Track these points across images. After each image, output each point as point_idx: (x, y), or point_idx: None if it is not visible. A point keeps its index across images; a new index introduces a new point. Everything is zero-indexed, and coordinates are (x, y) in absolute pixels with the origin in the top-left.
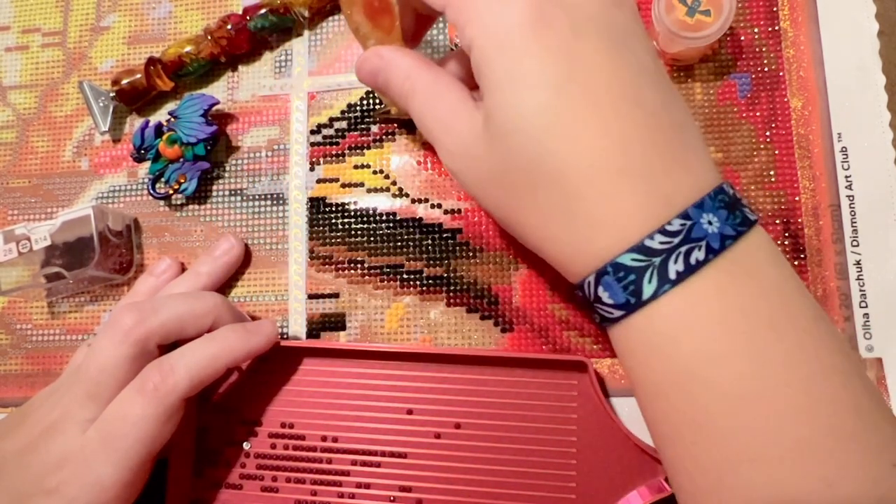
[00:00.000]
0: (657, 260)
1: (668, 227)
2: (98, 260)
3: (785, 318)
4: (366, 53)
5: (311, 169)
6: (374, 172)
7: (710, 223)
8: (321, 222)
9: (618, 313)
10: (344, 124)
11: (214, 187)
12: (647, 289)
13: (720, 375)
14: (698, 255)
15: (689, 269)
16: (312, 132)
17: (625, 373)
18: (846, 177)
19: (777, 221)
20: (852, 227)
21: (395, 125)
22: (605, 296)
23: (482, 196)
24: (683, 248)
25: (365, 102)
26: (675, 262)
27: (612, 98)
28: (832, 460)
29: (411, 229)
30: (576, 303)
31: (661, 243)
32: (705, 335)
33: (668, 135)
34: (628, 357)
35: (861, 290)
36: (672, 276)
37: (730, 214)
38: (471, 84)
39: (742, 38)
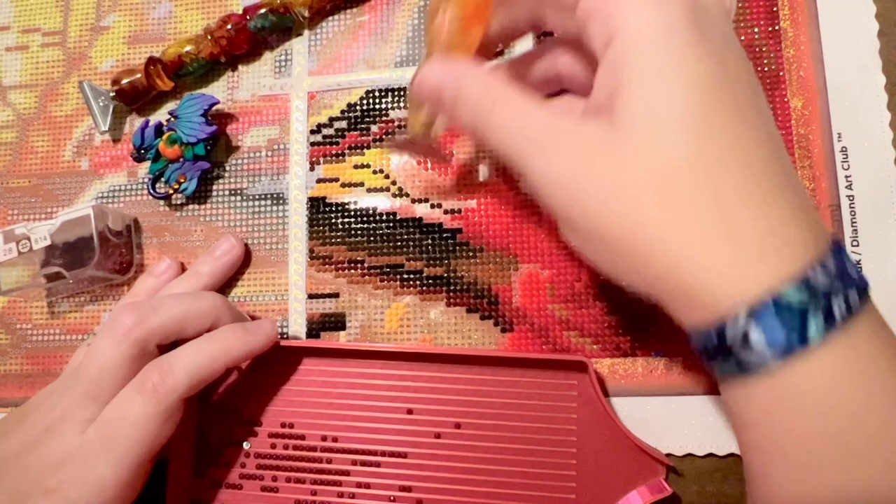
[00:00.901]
0: (821, 297)
1: (827, 264)
2: (98, 260)
3: None
4: (432, 63)
5: (311, 169)
6: (374, 172)
7: (851, 268)
8: (321, 222)
9: (772, 358)
10: (344, 124)
11: (214, 187)
12: (814, 329)
13: (883, 439)
14: (854, 297)
15: (850, 311)
16: (312, 132)
17: (744, 439)
18: (846, 177)
19: None
20: (852, 227)
21: (410, 153)
22: (757, 336)
23: (585, 216)
24: (842, 288)
25: (365, 102)
26: (838, 300)
27: (756, 114)
28: None
29: (411, 229)
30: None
31: (823, 279)
32: (868, 391)
33: (793, 170)
34: (765, 419)
35: None
36: (838, 316)
37: (853, 262)
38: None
39: (742, 38)
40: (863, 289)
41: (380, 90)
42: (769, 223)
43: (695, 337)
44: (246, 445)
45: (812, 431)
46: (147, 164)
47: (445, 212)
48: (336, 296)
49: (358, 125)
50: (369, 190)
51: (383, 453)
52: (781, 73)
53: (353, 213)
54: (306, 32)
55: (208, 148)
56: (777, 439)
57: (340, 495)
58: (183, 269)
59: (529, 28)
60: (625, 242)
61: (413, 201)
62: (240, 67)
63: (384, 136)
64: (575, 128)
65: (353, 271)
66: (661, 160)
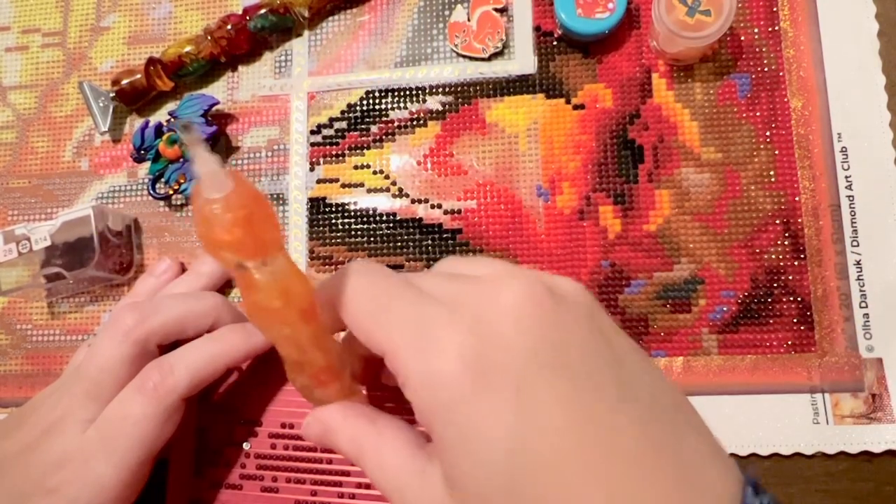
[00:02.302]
0: None
1: None
2: (98, 260)
3: None
4: (308, 419)
5: (311, 169)
6: (374, 173)
7: None
8: (321, 222)
9: None
10: (344, 124)
11: None
12: None
13: None
14: None
15: None
16: (312, 132)
17: None
18: (846, 177)
19: (777, 221)
20: (852, 227)
21: None
22: None
23: None
24: None
25: (365, 102)
26: None
27: (581, 451)
28: None
29: (411, 229)
30: None
31: None
32: None
33: (677, 445)
34: None
35: (861, 290)
36: None
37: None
38: None
39: (742, 38)
40: None
41: (380, 90)
42: None
43: None
44: (246, 446)
45: None
46: (147, 164)
47: (445, 212)
48: None
49: (358, 125)
50: (369, 190)
51: None
52: (781, 73)
53: (353, 213)
54: (306, 33)
55: (208, 148)
56: None
57: (340, 496)
58: (183, 269)
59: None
60: None
61: (413, 202)
62: (240, 68)
63: (384, 137)
64: (421, 474)
65: None
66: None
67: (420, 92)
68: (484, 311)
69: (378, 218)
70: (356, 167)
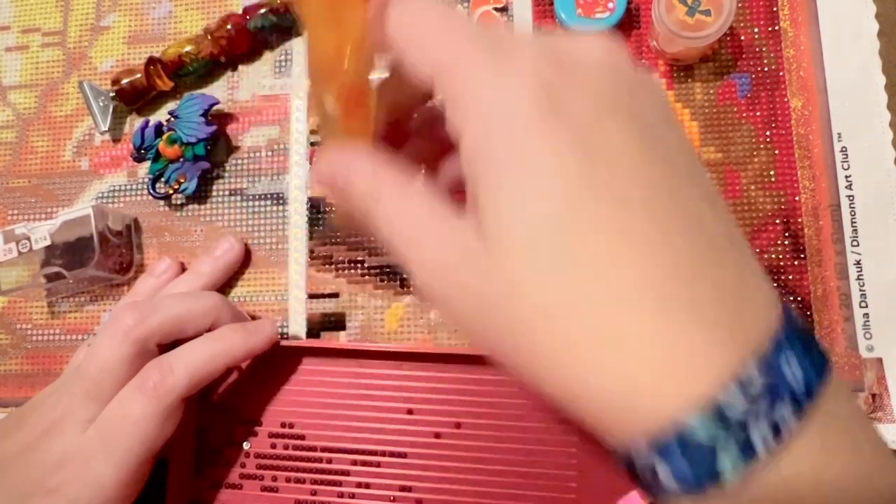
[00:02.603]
0: (735, 425)
1: (743, 378)
2: (98, 260)
3: (889, 475)
4: (324, 153)
5: (312, 169)
6: None
7: (789, 366)
8: (321, 222)
9: (682, 494)
10: None
11: (214, 187)
12: (726, 465)
13: None
14: (785, 413)
15: (777, 434)
16: (312, 132)
17: None
18: (846, 177)
19: (777, 221)
20: (852, 227)
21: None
22: (663, 472)
23: (478, 331)
24: (765, 405)
25: None
26: (758, 424)
27: (649, 210)
28: None
29: None
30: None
31: (738, 401)
32: None
33: (723, 254)
34: None
35: (861, 290)
36: (758, 445)
37: (807, 351)
38: (455, 192)
39: (742, 38)
40: (808, 391)
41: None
42: (667, 335)
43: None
44: (246, 445)
45: None
46: (147, 164)
47: None
48: (336, 296)
49: None
50: None
51: (383, 453)
52: (781, 73)
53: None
54: (306, 32)
55: (208, 148)
56: None
57: (340, 495)
58: (183, 269)
59: (423, 103)
60: (512, 366)
61: None
62: (240, 67)
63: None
64: (451, 228)
65: (353, 271)
66: (520, 284)
67: None
68: (569, 49)
69: None
70: None
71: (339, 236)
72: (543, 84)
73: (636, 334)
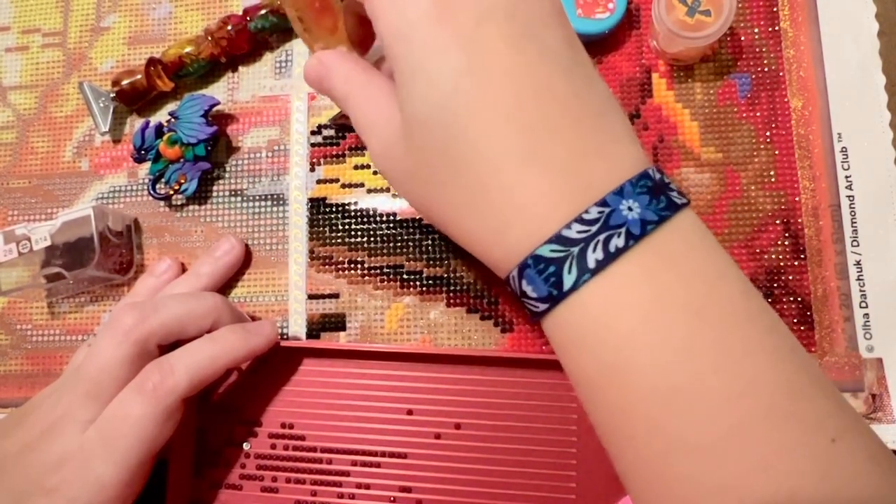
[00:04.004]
0: (575, 250)
1: (585, 216)
2: (98, 260)
3: (711, 303)
4: (310, 59)
5: (312, 169)
6: (375, 173)
7: (630, 209)
8: (321, 223)
9: (542, 307)
10: (344, 124)
11: (215, 188)
12: (568, 280)
13: (647, 366)
14: (618, 242)
15: (609, 258)
16: (313, 133)
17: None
18: (846, 177)
19: (777, 221)
20: (852, 227)
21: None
22: (529, 290)
23: (406, 194)
24: (602, 236)
25: None
26: (594, 250)
27: (515, 87)
28: (768, 443)
29: (411, 230)
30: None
31: (579, 232)
32: (629, 326)
33: (582, 122)
34: (561, 353)
35: (861, 290)
36: (591, 264)
37: (652, 199)
38: None
39: (742, 38)
40: (642, 226)
41: None
42: (527, 187)
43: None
44: (246, 446)
45: (589, 367)
46: (147, 164)
47: None
48: (336, 296)
49: None
50: (370, 191)
51: (383, 454)
52: (781, 73)
53: (353, 213)
54: None
55: (209, 149)
56: (571, 373)
57: (340, 496)
58: (183, 269)
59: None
60: (432, 222)
61: None
62: (240, 68)
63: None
64: (391, 113)
65: (353, 272)
66: (424, 153)
67: None
68: None
69: (378, 218)
70: (356, 167)
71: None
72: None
73: (503, 187)
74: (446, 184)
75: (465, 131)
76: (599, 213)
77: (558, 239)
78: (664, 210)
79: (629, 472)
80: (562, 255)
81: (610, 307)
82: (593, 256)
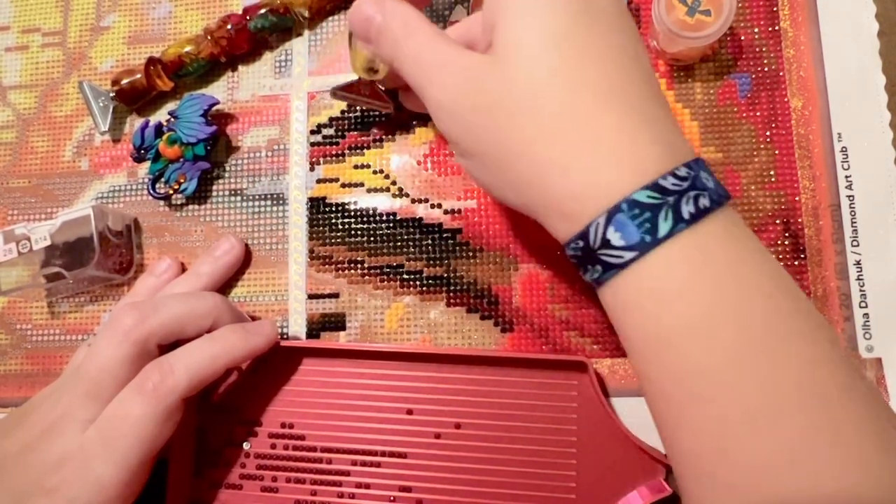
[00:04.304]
0: (671, 199)
1: (678, 172)
2: (98, 260)
3: (779, 284)
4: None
5: (311, 169)
6: (374, 172)
7: (706, 179)
8: (321, 222)
9: (629, 255)
10: (344, 124)
11: (214, 187)
12: (664, 227)
13: (724, 330)
14: (705, 201)
15: (700, 213)
16: (312, 132)
17: (619, 329)
18: (846, 177)
19: (777, 221)
20: (852, 227)
21: (355, 100)
22: (615, 237)
23: (469, 137)
24: (692, 193)
25: None
26: (687, 203)
27: (620, 37)
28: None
29: (411, 229)
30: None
31: (674, 184)
32: (715, 284)
33: (659, 90)
34: (632, 310)
35: (861, 290)
36: (686, 215)
37: (712, 176)
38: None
39: (742, 38)
40: (718, 197)
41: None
42: (627, 134)
43: (567, 247)
44: (246, 446)
45: (661, 321)
46: (147, 164)
47: (445, 212)
48: (336, 296)
49: (358, 125)
50: (369, 190)
51: (383, 453)
52: (781, 73)
53: (353, 213)
54: (306, 32)
55: (208, 148)
56: (636, 331)
57: (340, 495)
58: (183, 269)
59: None
60: (501, 157)
61: (413, 201)
62: (240, 68)
63: (384, 137)
64: (460, 57)
65: (353, 271)
66: (528, 79)
67: None
68: None
69: (378, 218)
70: (356, 167)
71: (348, 97)
72: None
73: (604, 127)
74: (538, 115)
75: (576, 69)
76: (687, 173)
77: (656, 186)
78: (725, 190)
79: (687, 441)
80: (658, 201)
81: (699, 262)
82: (687, 209)
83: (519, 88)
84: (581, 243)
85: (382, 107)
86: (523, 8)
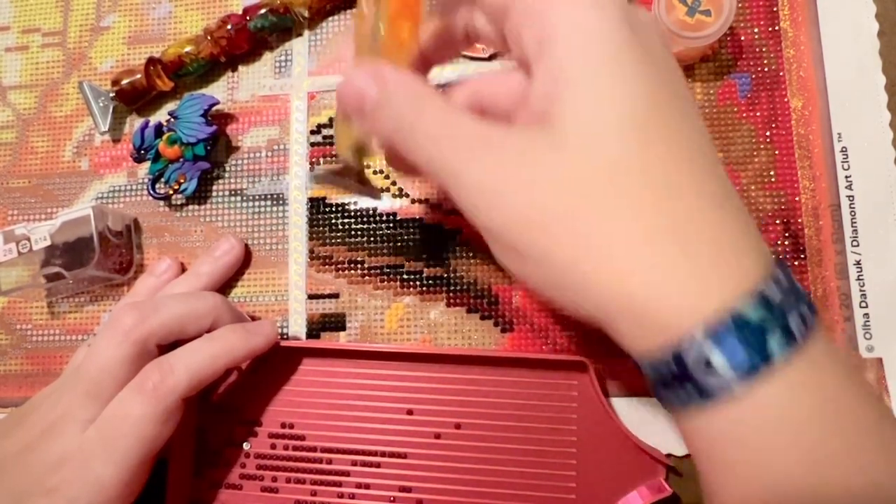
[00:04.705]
0: (777, 312)
1: (778, 277)
2: (98, 260)
3: (878, 414)
4: (360, 68)
5: (312, 169)
6: (375, 173)
7: (797, 281)
8: (321, 222)
9: (736, 381)
10: None
11: (214, 187)
12: (776, 347)
13: (841, 469)
14: (806, 311)
15: (808, 328)
16: (312, 132)
17: (706, 465)
18: (846, 177)
19: (777, 221)
20: (852, 227)
21: (340, 186)
22: (719, 358)
23: (519, 228)
24: (794, 303)
25: None
26: (794, 317)
27: (694, 121)
28: None
29: (411, 229)
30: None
31: (776, 293)
32: (836, 406)
33: (741, 210)
34: (730, 444)
35: (861, 290)
36: (796, 332)
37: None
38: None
39: (742, 38)
40: (811, 303)
41: None
42: (722, 236)
43: (648, 365)
44: (246, 446)
45: (778, 451)
46: (147, 164)
47: (446, 212)
48: (336, 296)
49: None
50: None
51: (383, 454)
52: (781, 73)
53: (353, 213)
54: (306, 33)
55: (208, 148)
56: (741, 463)
57: (340, 496)
58: (183, 269)
59: (462, 39)
60: (564, 256)
61: (413, 202)
62: (240, 68)
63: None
64: (508, 134)
65: (353, 272)
66: (605, 165)
67: None
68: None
69: (378, 218)
70: None
71: (334, 182)
72: (625, 11)
73: (700, 240)
74: (629, 207)
75: (659, 148)
76: (784, 278)
77: (760, 297)
78: (808, 294)
79: None
80: (765, 315)
81: (816, 382)
82: (794, 323)
83: (593, 179)
84: (671, 361)
85: (372, 196)
86: (596, 79)
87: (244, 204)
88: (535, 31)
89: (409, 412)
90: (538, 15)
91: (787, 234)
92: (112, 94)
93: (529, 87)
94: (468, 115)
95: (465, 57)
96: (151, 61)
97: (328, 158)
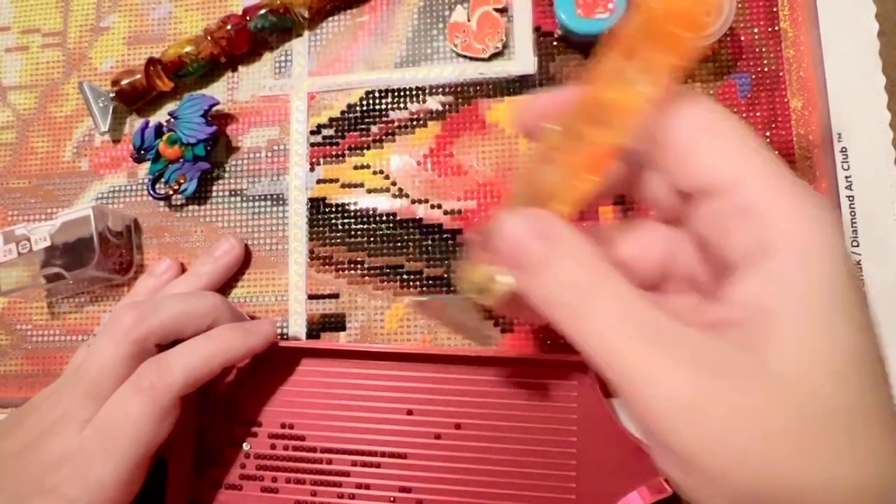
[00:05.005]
0: None
1: None
2: (98, 260)
3: None
4: (520, 213)
5: (311, 169)
6: (375, 173)
7: None
8: (321, 223)
9: None
10: (344, 124)
11: (214, 188)
12: None
13: None
14: None
15: None
16: (312, 132)
17: None
18: (846, 177)
19: None
20: (852, 227)
21: (444, 322)
22: None
23: (723, 457)
24: None
25: (365, 103)
26: None
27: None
28: None
29: (411, 230)
30: None
31: None
32: None
33: None
34: None
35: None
36: None
37: None
38: None
39: (742, 38)
40: None
41: (380, 91)
42: None
43: None
44: (246, 446)
45: None
46: (147, 164)
47: (445, 212)
48: (336, 296)
49: (358, 126)
50: (369, 191)
51: (383, 454)
52: (781, 74)
53: (353, 213)
54: (306, 33)
55: (208, 148)
56: None
57: (340, 496)
58: (183, 269)
59: (624, 192)
60: (760, 492)
61: (413, 202)
62: (240, 68)
63: (384, 137)
64: (707, 343)
65: (353, 272)
66: (819, 408)
67: (420, 92)
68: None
69: (378, 218)
70: (356, 167)
71: (442, 320)
72: (840, 224)
73: None
74: (841, 457)
75: (875, 395)
76: None
77: None
78: None
79: None
80: None
81: None
82: None
83: (804, 420)
84: None
85: (479, 342)
86: (825, 313)
87: (244, 204)
88: (750, 233)
89: (409, 412)
90: (757, 215)
91: None
92: (112, 95)
93: (732, 285)
94: (650, 304)
95: (465, 57)
96: (151, 62)
97: (433, 286)
